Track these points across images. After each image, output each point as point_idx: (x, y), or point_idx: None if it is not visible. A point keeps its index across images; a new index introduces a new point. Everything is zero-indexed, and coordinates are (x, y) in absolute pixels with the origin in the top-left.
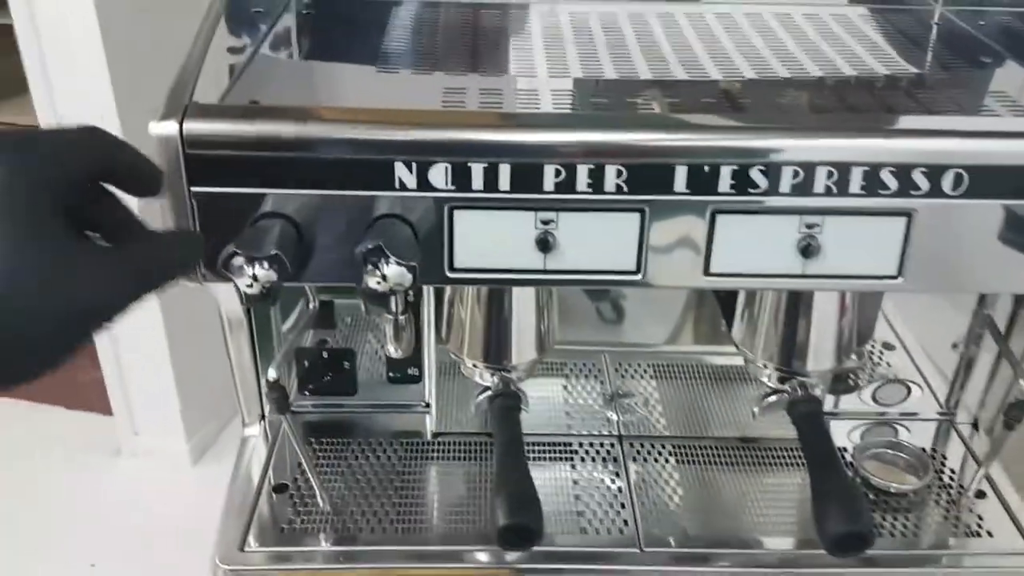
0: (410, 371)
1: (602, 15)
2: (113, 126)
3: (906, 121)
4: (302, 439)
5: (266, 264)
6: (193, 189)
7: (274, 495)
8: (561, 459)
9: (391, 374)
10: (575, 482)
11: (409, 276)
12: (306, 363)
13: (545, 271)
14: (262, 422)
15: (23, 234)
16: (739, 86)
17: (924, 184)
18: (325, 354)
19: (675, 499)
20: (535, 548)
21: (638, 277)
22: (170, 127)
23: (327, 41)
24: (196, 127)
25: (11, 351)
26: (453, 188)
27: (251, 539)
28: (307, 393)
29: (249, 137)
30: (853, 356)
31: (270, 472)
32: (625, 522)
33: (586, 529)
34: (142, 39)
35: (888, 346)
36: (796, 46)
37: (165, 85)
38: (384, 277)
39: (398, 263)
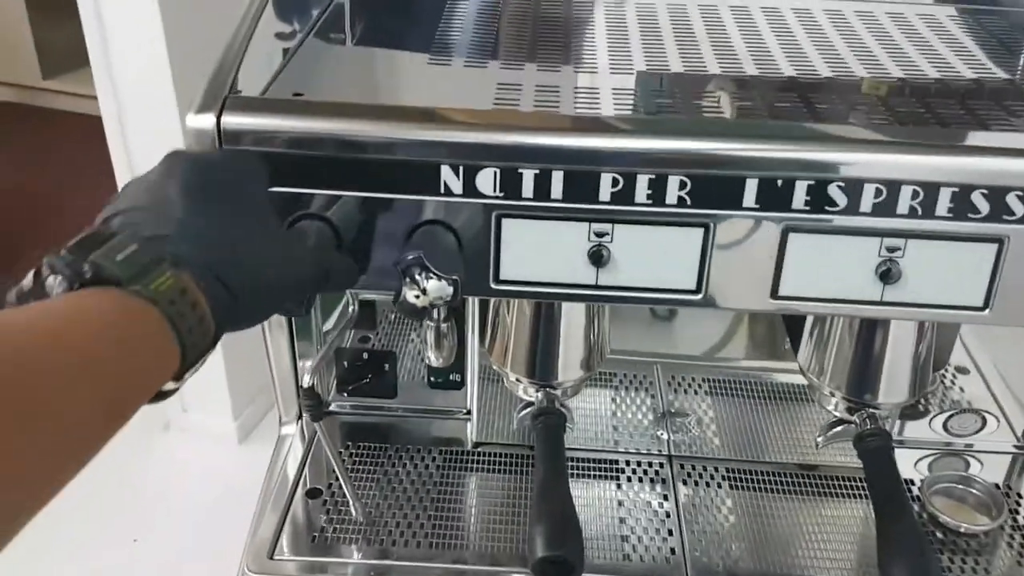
0: (452, 377)
1: (670, 5)
2: (169, 101)
3: (1002, 139)
4: (339, 441)
5: None
6: None
7: (308, 500)
8: (606, 477)
9: (432, 379)
10: (620, 503)
11: (450, 290)
12: (345, 364)
13: (597, 287)
14: (299, 421)
15: (262, 220)
16: (816, 91)
17: (1019, 209)
18: (365, 355)
19: (727, 527)
20: None
21: (698, 297)
22: (207, 120)
23: (379, 27)
24: (234, 121)
25: (248, 294)
26: (502, 195)
27: (281, 546)
28: (346, 394)
29: (288, 134)
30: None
31: (305, 474)
32: (672, 550)
33: (630, 556)
34: (202, 15)
35: (962, 370)
36: (879, 47)
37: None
38: (424, 291)
39: (439, 277)
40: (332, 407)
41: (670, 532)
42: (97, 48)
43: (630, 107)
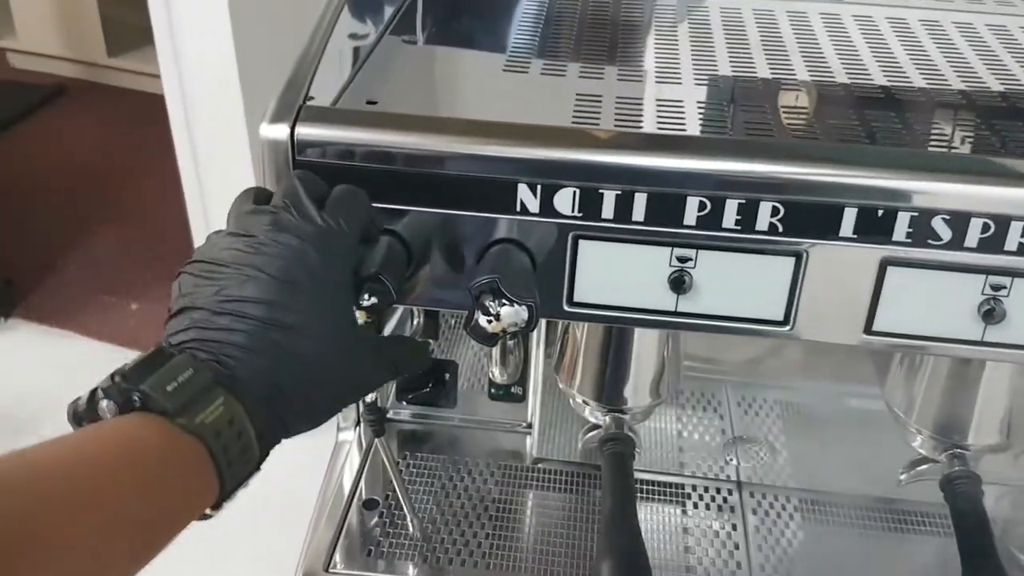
0: (514, 389)
1: (757, 12)
2: (233, 83)
3: None
4: (396, 450)
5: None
6: None
7: (364, 511)
8: (672, 502)
9: (493, 391)
10: (686, 530)
11: (525, 316)
12: None
13: (676, 313)
14: (357, 428)
15: (334, 319)
16: (914, 109)
17: None
18: None
19: (797, 561)
20: None
21: (785, 329)
22: (281, 131)
23: (454, 27)
24: (308, 132)
25: (306, 410)
26: (580, 215)
27: (337, 559)
28: (405, 403)
29: (363, 146)
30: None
31: (362, 484)
32: None
33: None
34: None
35: None
36: (978, 61)
37: (287, 48)
38: (497, 316)
39: (513, 302)
40: (390, 414)
41: (739, 565)
42: (163, 29)
43: (717, 123)
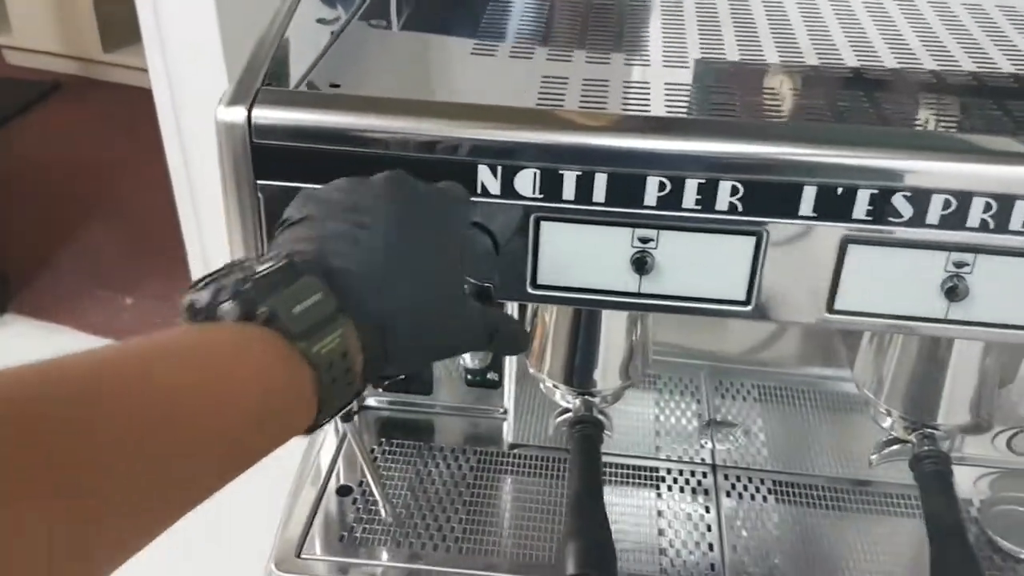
0: (489, 375)
1: None
2: (220, 76)
3: None
4: (373, 437)
5: None
6: (259, 182)
7: (339, 498)
8: (646, 485)
9: (468, 377)
10: (660, 513)
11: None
12: None
13: (640, 295)
14: None
15: (449, 268)
16: (882, 88)
17: None
18: None
19: (771, 543)
20: None
21: (747, 309)
22: (238, 114)
23: (425, 11)
24: (265, 115)
25: (409, 351)
26: (541, 197)
27: (309, 545)
28: (382, 390)
29: (321, 129)
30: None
31: (338, 468)
32: (712, 566)
33: (667, 571)
34: None
35: None
36: (953, 42)
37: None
38: None
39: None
40: (367, 401)
41: (711, 546)
42: (149, 22)
43: (682, 105)
